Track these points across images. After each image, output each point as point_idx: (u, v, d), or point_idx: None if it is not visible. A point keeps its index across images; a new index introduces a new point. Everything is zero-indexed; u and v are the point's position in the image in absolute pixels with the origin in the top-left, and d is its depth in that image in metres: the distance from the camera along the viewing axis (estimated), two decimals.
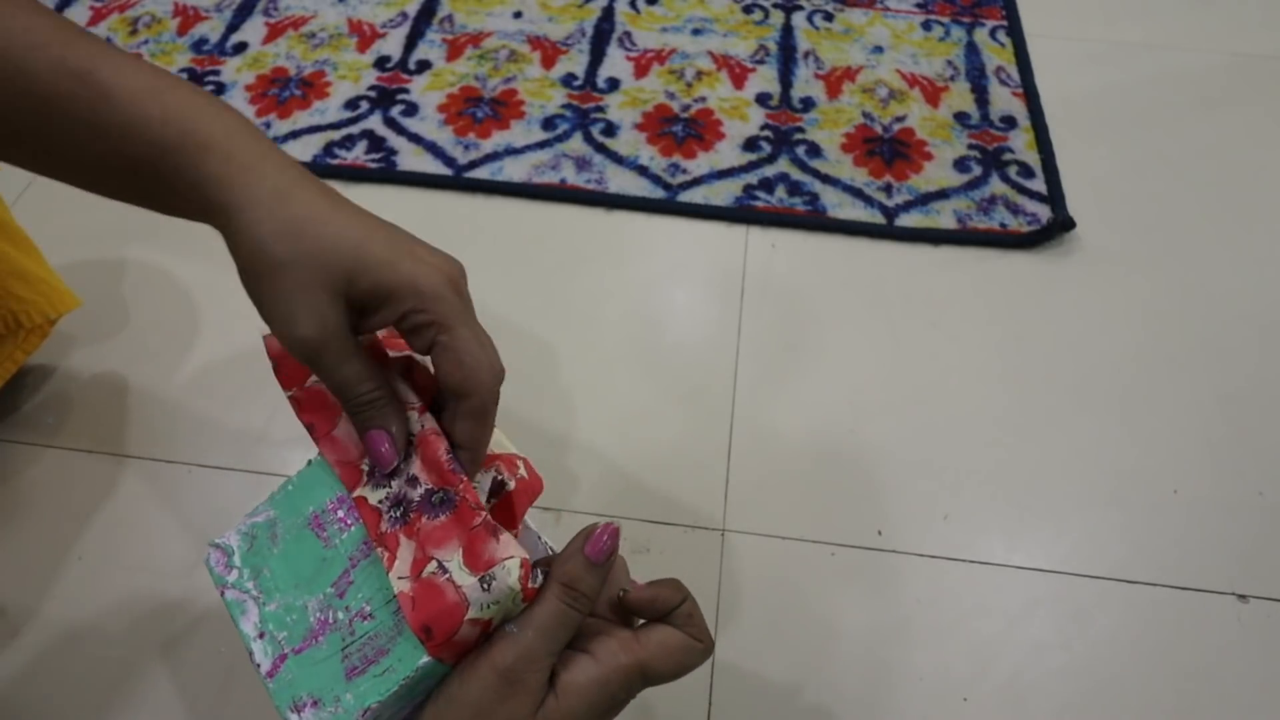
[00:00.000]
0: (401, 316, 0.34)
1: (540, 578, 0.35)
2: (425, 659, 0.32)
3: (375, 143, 0.90)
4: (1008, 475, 0.68)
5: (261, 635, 0.35)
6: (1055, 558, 0.64)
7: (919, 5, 1.06)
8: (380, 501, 0.36)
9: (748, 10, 1.05)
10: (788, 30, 1.03)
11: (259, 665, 0.34)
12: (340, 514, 0.36)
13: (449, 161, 0.88)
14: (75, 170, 0.36)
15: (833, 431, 0.70)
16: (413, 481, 0.35)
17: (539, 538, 0.41)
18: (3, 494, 0.66)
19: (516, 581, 0.32)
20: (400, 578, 0.34)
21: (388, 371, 0.37)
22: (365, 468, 0.37)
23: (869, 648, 0.60)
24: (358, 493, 0.36)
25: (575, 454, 0.69)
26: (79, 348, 0.74)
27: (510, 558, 0.33)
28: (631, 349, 0.75)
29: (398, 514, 0.35)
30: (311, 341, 0.34)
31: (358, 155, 0.88)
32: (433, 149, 0.89)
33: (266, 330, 0.35)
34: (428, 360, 0.37)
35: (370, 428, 0.36)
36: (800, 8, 1.05)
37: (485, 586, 0.32)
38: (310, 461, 0.38)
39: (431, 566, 0.33)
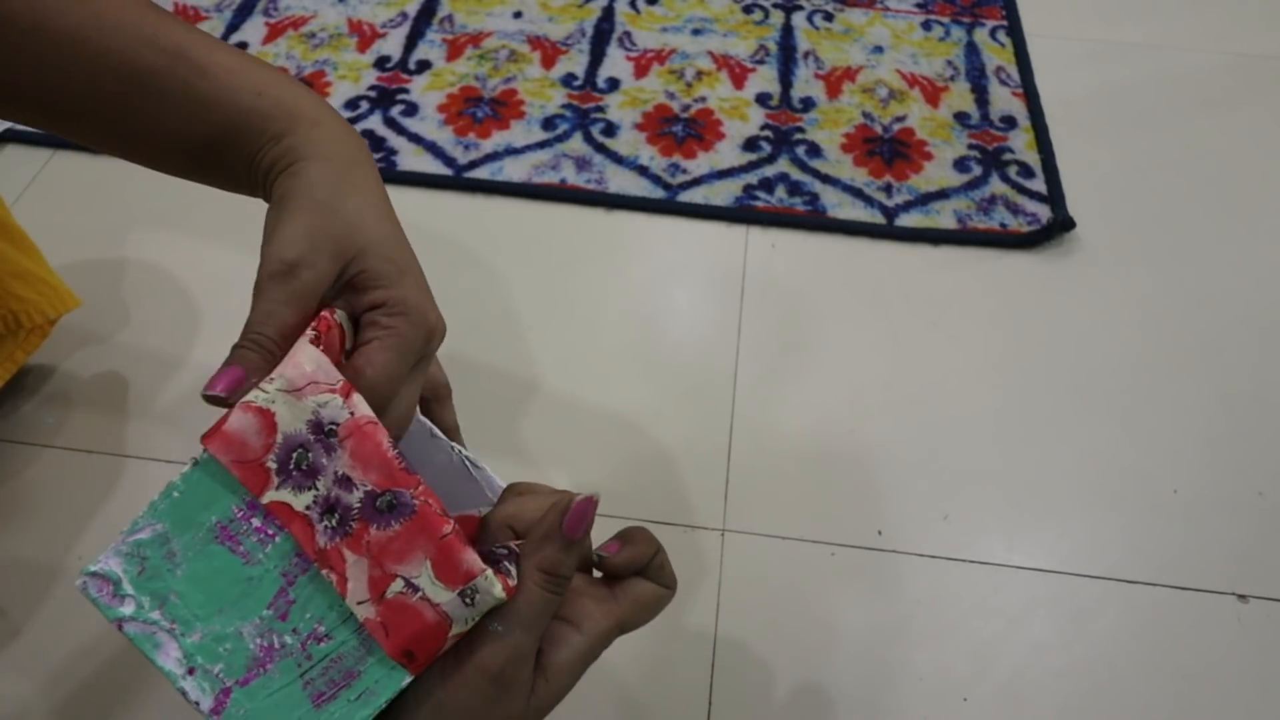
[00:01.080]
0: (370, 306, 0.35)
1: (513, 571, 0.32)
2: (409, 678, 0.30)
3: (375, 143, 0.90)
4: (1008, 475, 0.68)
5: (191, 671, 0.31)
6: (1055, 558, 0.64)
7: (919, 5, 1.06)
8: (308, 508, 0.31)
9: (748, 10, 1.05)
10: (788, 30, 1.03)
11: (197, 704, 0.30)
12: (255, 523, 0.31)
13: (449, 161, 0.88)
14: (150, 145, 0.37)
15: (833, 431, 0.70)
16: (344, 482, 0.31)
17: (431, 432, 0.38)
18: (3, 494, 0.66)
19: (501, 592, 0.30)
20: (360, 602, 0.30)
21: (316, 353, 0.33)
22: (272, 465, 0.31)
23: (869, 648, 0.60)
24: (269, 496, 0.31)
25: (575, 454, 0.69)
26: (79, 348, 0.74)
27: (487, 569, 0.30)
28: (631, 349, 0.75)
29: (334, 523, 0.31)
30: (284, 265, 0.33)
31: None
32: (433, 149, 0.89)
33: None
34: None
35: (236, 362, 0.33)
36: (800, 8, 1.05)
37: (468, 601, 0.30)
38: (196, 460, 0.31)
39: (398, 585, 0.30)
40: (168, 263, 0.80)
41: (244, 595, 0.31)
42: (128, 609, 0.31)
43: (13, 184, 0.85)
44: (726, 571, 0.63)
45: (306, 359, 0.31)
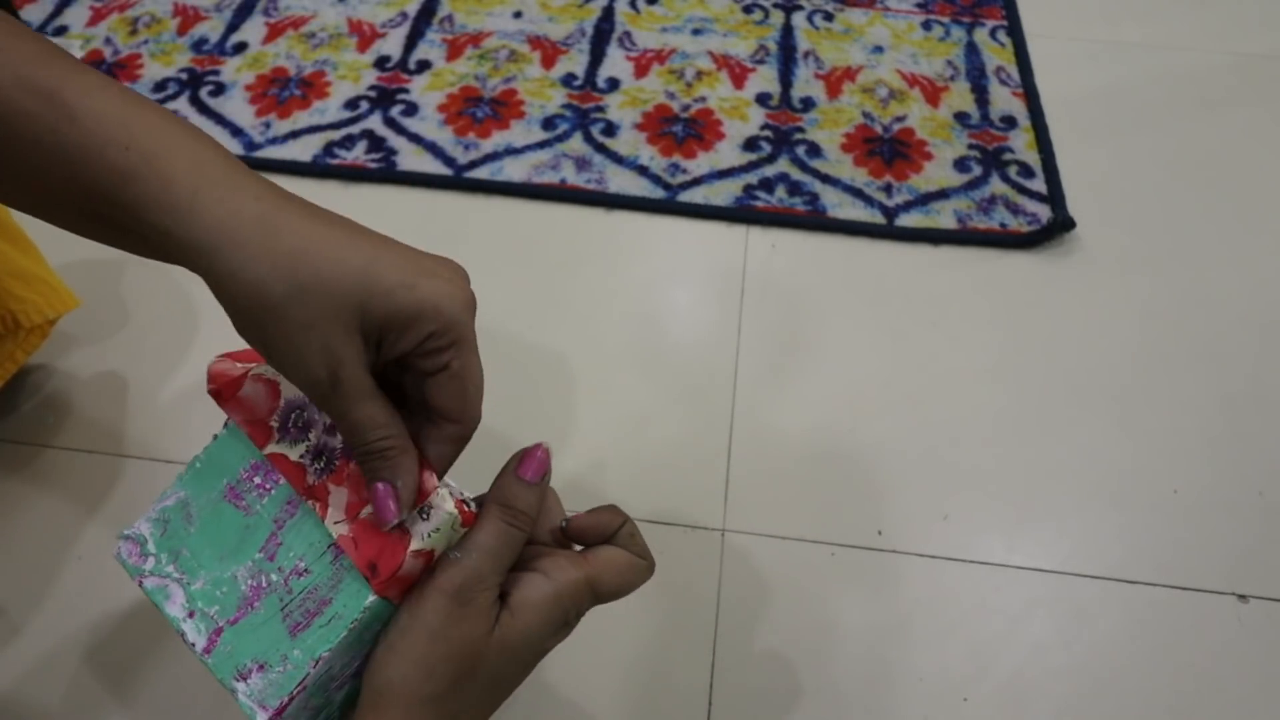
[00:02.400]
0: (422, 340, 0.33)
1: (474, 506, 0.35)
2: (372, 598, 0.33)
3: (375, 143, 0.90)
4: (1008, 475, 0.68)
5: (191, 614, 0.34)
6: (1055, 558, 0.64)
7: (919, 5, 1.06)
8: (301, 457, 0.35)
9: (748, 10, 1.05)
10: (788, 30, 1.03)
11: (193, 645, 0.34)
12: (257, 480, 0.36)
13: (449, 161, 0.88)
14: (33, 197, 0.33)
15: (832, 431, 0.70)
16: (330, 430, 0.35)
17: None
18: (3, 494, 0.66)
19: (453, 508, 0.33)
20: (336, 522, 0.34)
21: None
22: (274, 424, 0.36)
23: (869, 648, 0.60)
24: (270, 449, 0.35)
25: (575, 454, 0.69)
26: (79, 348, 0.74)
27: (443, 484, 0.34)
28: (631, 349, 0.75)
29: (321, 465, 0.35)
30: (323, 384, 0.31)
31: (358, 155, 0.88)
32: (433, 149, 0.89)
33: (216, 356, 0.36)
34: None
35: (379, 479, 0.33)
36: (800, 8, 1.05)
37: (424, 516, 0.33)
38: (216, 436, 0.37)
39: (369, 509, 0.33)
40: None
41: (241, 542, 0.35)
42: (149, 565, 0.35)
43: None
44: (726, 571, 0.63)
45: None
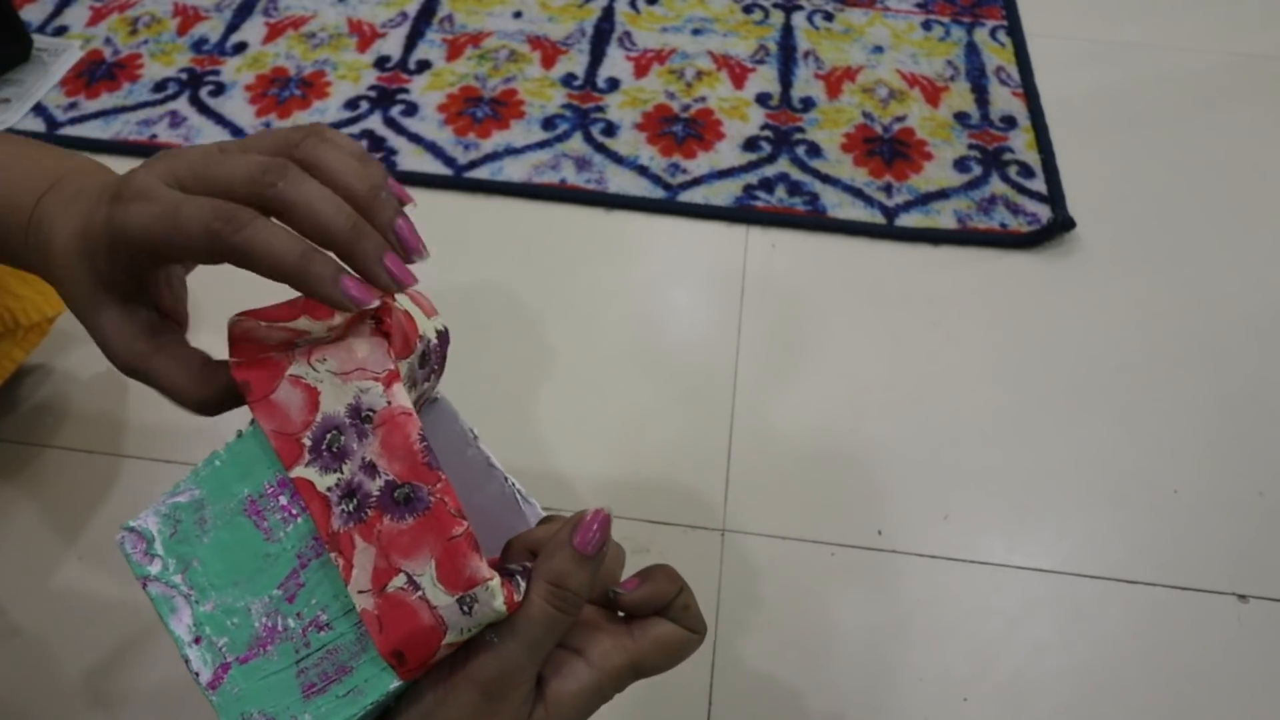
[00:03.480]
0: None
1: (523, 586, 0.31)
2: (397, 684, 0.30)
3: (375, 143, 0.90)
4: (1008, 475, 0.68)
5: (198, 640, 0.31)
6: (1055, 558, 0.64)
7: (919, 5, 1.06)
8: (329, 489, 0.30)
9: (748, 10, 1.05)
10: (788, 30, 1.03)
11: (197, 674, 0.31)
12: (282, 501, 0.31)
13: (449, 161, 0.88)
14: None
15: (833, 431, 0.70)
16: (370, 469, 0.30)
17: (489, 461, 0.37)
18: (3, 494, 0.66)
19: (502, 605, 0.29)
20: (361, 591, 0.30)
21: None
22: (307, 442, 0.31)
23: (869, 648, 0.60)
24: (297, 472, 0.31)
25: (575, 454, 0.69)
26: (79, 348, 0.74)
27: (492, 578, 0.29)
28: (631, 349, 0.75)
29: (350, 508, 0.30)
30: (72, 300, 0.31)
31: None
32: (433, 149, 0.89)
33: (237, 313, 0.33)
34: (416, 314, 0.34)
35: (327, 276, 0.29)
36: (800, 8, 1.05)
37: (466, 609, 0.29)
38: (241, 433, 0.32)
39: (399, 580, 0.29)
40: None
41: (259, 571, 0.31)
42: (154, 568, 0.32)
43: None
44: (726, 571, 0.63)
45: (360, 345, 0.31)
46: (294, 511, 0.31)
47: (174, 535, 0.32)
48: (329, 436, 0.31)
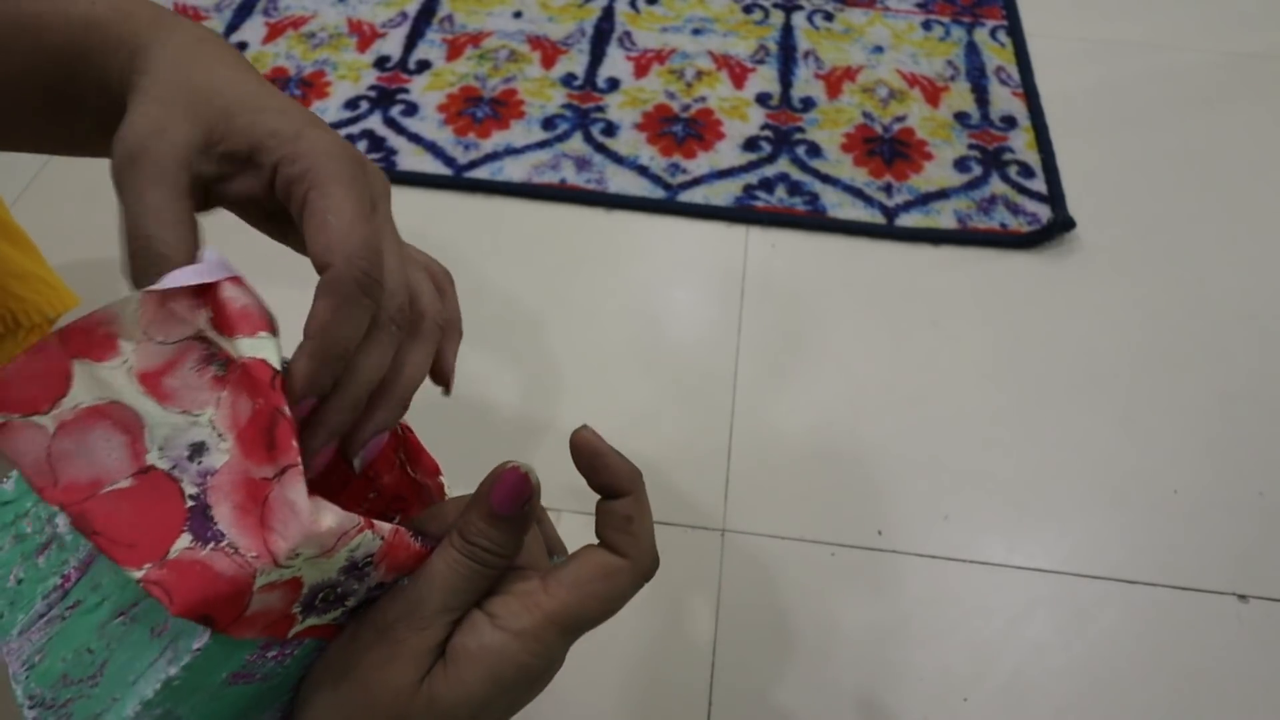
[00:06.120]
0: (273, 172, 0.28)
1: (420, 541, 0.28)
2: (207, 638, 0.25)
3: (375, 142, 0.90)
4: (1008, 475, 0.68)
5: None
6: (1055, 558, 0.64)
7: (919, 5, 1.06)
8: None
9: (748, 10, 1.05)
10: (788, 30, 1.03)
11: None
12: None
13: (449, 161, 0.88)
14: None
15: (833, 431, 0.70)
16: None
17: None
18: None
19: (348, 532, 0.25)
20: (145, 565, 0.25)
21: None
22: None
23: (869, 648, 0.60)
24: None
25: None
26: None
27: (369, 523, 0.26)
28: (631, 349, 0.75)
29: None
30: (127, 152, 0.27)
31: None
32: (433, 149, 0.89)
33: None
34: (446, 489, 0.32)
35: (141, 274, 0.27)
36: (800, 8, 1.05)
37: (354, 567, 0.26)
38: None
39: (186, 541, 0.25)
40: None
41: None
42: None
43: (12, 184, 0.85)
44: (726, 571, 0.63)
45: (328, 517, 0.25)
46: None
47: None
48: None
